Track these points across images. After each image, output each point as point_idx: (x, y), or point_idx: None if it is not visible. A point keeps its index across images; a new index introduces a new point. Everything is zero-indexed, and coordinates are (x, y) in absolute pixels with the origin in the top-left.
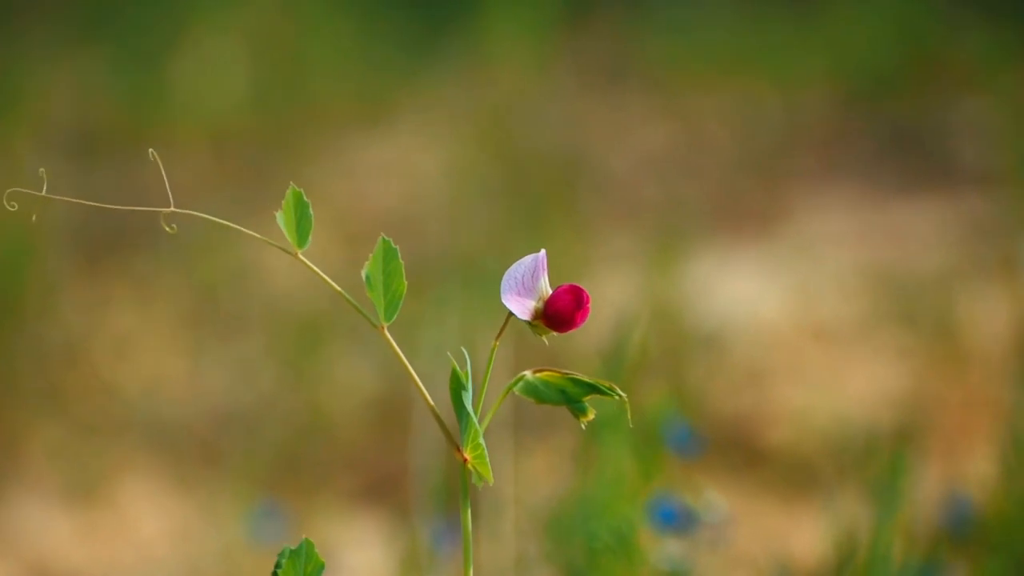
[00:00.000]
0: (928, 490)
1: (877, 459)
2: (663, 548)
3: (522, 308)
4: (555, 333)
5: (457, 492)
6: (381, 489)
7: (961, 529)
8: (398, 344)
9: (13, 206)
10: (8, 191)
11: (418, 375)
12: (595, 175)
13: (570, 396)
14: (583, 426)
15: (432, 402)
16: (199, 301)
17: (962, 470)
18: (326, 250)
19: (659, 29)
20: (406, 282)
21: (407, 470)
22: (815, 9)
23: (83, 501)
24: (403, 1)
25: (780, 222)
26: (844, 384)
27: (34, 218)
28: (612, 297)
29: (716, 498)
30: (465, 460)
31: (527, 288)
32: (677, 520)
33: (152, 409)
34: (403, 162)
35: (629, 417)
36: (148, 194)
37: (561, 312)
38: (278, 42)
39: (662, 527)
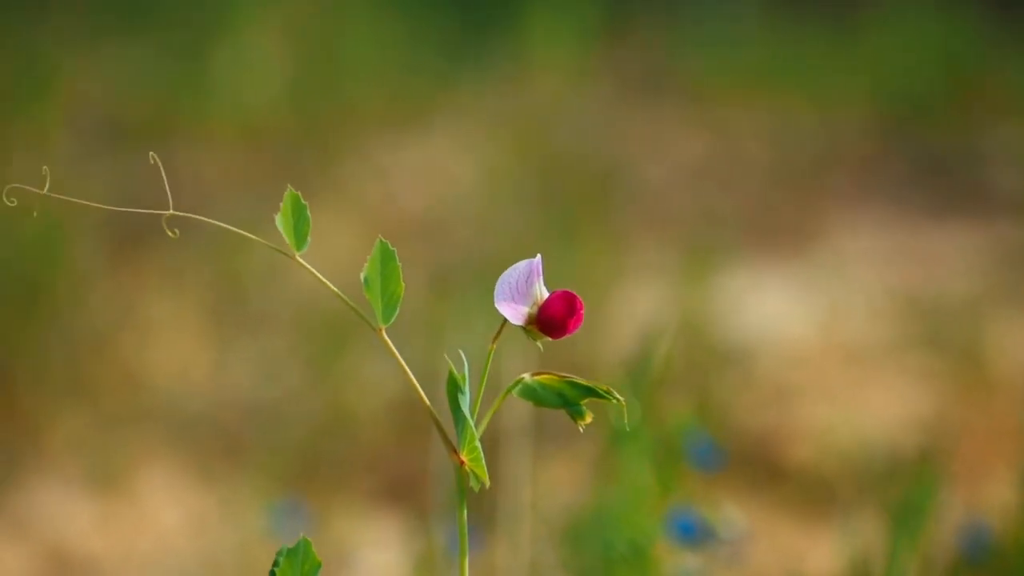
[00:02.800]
0: (948, 515)
1: (898, 482)
2: (680, 561)
3: (515, 313)
4: (549, 339)
5: (476, 496)
6: (401, 490)
7: (979, 556)
8: (425, 347)
9: (13, 202)
10: (7, 187)
11: (440, 378)
12: (629, 185)
13: (568, 399)
14: (581, 429)
15: (429, 403)
16: (227, 295)
17: (983, 497)
18: (355, 250)
19: (697, 43)
20: (403, 284)
21: (427, 472)
22: (854, 29)
23: (104, 490)
24: (444, 5)
25: (812, 240)
26: (869, 405)
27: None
28: (642, 308)
29: (735, 513)
30: (461, 463)
31: (521, 293)
32: (695, 534)
33: (176, 401)
34: (437, 165)
35: (627, 421)
36: (181, 186)
37: (554, 318)
38: (317, 40)
39: (680, 540)
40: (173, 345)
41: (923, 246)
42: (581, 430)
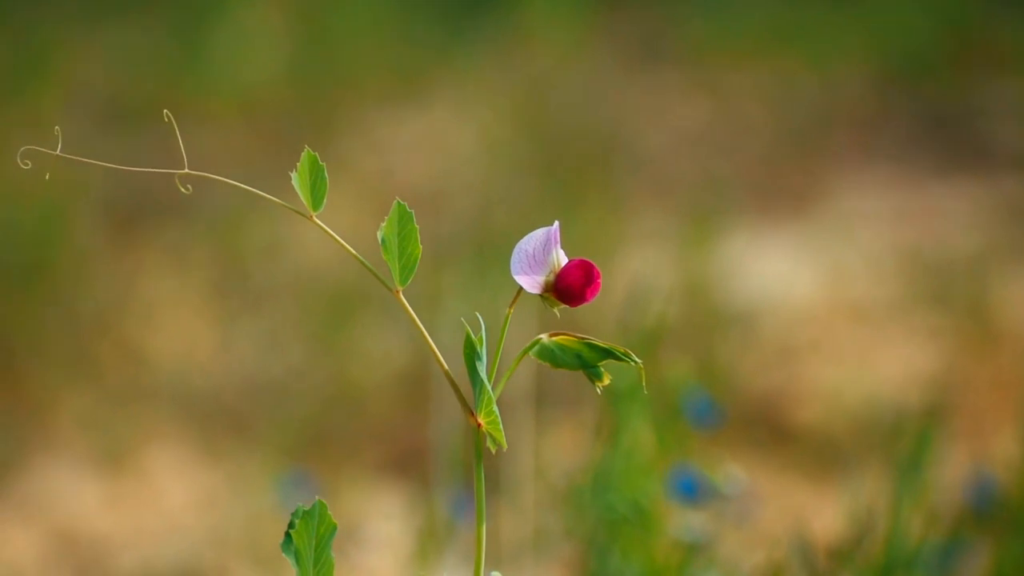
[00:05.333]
0: (954, 469)
1: (904, 438)
2: (683, 520)
3: (531, 283)
4: (567, 307)
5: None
6: (407, 461)
7: (985, 508)
8: (423, 318)
9: (27, 164)
10: (22, 149)
11: (441, 348)
12: (631, 152)
13: (586, 361)
14: (599, 391)
15: (447, 368)
16: (230, 271)
17: (989, 450)
18: (356, 223)
19: (697, 7)
20: (421, 246)
21: (431, 442)
22: None
23: (111, 469)
24: None
25: (815, 201)
26: (875, 364)
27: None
28: (644, 273)
29: (736, 471)
30: (479, 425)
31: (537, 262)
32: (696, 492)
33: (181, 378)
34: (436, 138)
35: (644, 384)
36: (179, 163)
37: (571, 287)
38: (314, 15)
39: (680, 499)
40: (177, 323)
41: (926, 204)
42: (599, 391)
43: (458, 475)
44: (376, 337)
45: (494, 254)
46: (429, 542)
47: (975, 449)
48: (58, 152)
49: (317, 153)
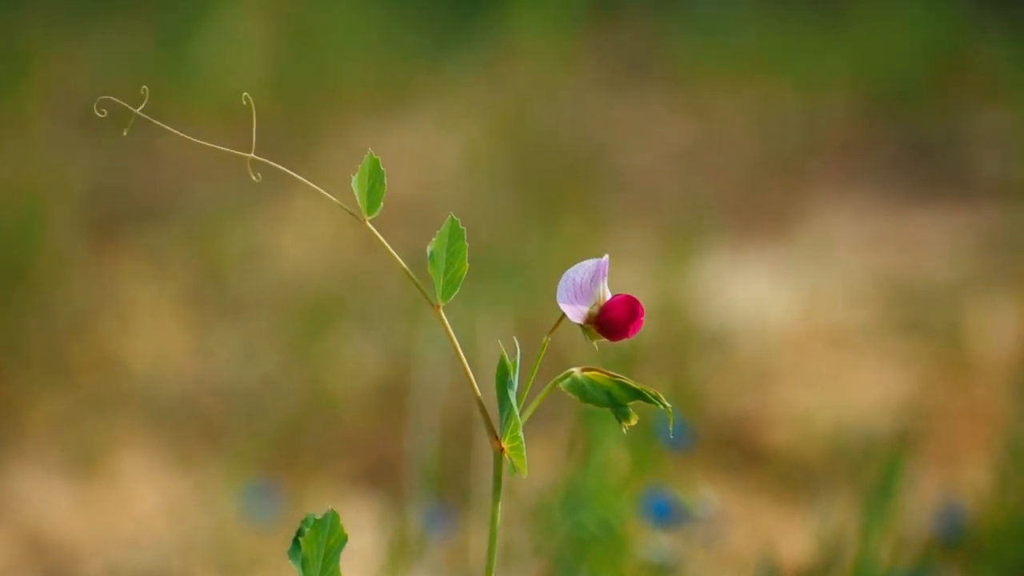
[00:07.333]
0: (924, 497)
1: (875, 464)
2: (652, 541)
3: (576, 312)
4: (606, 340)
5: (449, 479)
6: (380, 473)
7: (953, 537)
8: (403, 330)
9: (103, 112)
10: (100, 98)
11: (418, 361)
12: (614, 170)
13: (615, 399)
14: (624, 431)
15: (480, 394)
16: (206, 279)
17: (959, 478)
18: (338, 234)
19: (684, 28)
20: (468, 264)
21: (406, 455)
22: (840, 14)
23: (83, 474)
24: None
25: (795, 224)
26: (849, 389)
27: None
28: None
29: (708, 493)
30: (502, 450)
31: (584, 292)
32: (667, 513)
33: (156, 385)
34: (421, 150)
35: (671, 428)
36: (163, 167)
37: (615, 320)
38: (301, 24)
39: (652, 520)
40: (153, 329)
41: (906, 230)
42: (624, 431)
43: (432, 488)
44: (352, 347)
45: (476, 268)
46: (400, 555)
47: (945, 477)
48: (139, 111)
49: (298, 162)
